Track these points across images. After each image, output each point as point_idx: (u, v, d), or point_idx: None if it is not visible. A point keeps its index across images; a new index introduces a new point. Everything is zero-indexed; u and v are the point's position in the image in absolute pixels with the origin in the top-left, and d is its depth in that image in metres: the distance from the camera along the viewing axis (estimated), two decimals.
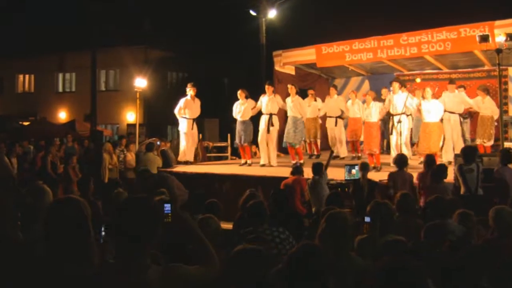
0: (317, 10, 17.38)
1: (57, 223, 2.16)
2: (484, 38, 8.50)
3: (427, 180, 6.74)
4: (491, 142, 10.06)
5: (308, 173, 7.47)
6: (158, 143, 11.10)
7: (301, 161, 10.12)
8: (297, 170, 7.60)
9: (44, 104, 25.43)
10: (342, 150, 11.85)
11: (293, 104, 10.51)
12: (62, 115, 25.63)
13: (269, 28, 15.59)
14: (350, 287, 2.88)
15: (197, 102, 11.23)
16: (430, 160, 7.20)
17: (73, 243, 2.14)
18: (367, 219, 3.74)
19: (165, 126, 23.20)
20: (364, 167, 7.26)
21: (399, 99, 9.62)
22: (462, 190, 6.55)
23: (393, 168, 7.60)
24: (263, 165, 10.39)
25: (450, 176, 6.98)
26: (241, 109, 10.65)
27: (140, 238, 2.10)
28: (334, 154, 11.03)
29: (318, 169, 7.15)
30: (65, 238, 2.13)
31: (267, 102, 10.48)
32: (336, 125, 11.89)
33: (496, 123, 10.00)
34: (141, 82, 13.49)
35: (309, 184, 7.12)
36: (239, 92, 10.77)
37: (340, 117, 11.87)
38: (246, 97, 10.71)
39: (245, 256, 2.34)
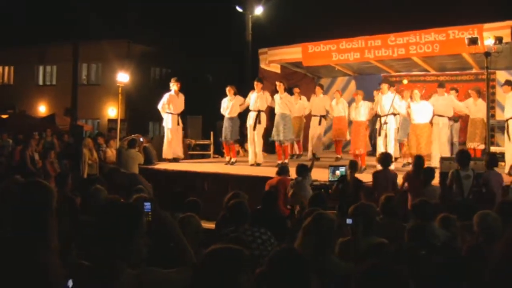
0: (304, 8, 17.32)
1: (20, 202, 2.31)
2: (473, 41, 8.43)
3: (415, 182, 6.69)
4: (484, 146, 9.93)
5: (293, 174, 7.36)
6: (141, 139, 10.91)
7: (286, 161, 10.00)
8: (283, 170, 7.47)
9: (24, 97, 25.02)
10: (318, 150, 11.84)
11: (282, 101, 10.35)
12: (42, 109, 25.31)
13: (255, 25, 15.49)
14: None
15: (181, 97, 11.13)
16: (419, 161, 7.11)
17: (32, 223, 2.21)
18: (349, 221, 3.69)
19: (147, 122, 23.02)
20: (353, 166, 7.16)
21: (387, 99, 9.53)
22: (456, 196, 6.42)
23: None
24: (252, 165, 10.25)
25: (435, 180, 6.91)
26: (229, 105, 10.56)
27: (115, 242, 2.09)
28: (314, 154, 11.09)
29: (302, 170, 7.05)
30: (25, 218, 2.22)
31: (256, 98, 10.38)
32: (319, 124, 11.82)
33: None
34: (123, 77, 13.22)
35: (291, 185, 7.00)
36: (227, 88, 10.68)
37: (324, 116, 11.81)
38: (235, 94, 10.65)
39: (217, 256, 2.26)
